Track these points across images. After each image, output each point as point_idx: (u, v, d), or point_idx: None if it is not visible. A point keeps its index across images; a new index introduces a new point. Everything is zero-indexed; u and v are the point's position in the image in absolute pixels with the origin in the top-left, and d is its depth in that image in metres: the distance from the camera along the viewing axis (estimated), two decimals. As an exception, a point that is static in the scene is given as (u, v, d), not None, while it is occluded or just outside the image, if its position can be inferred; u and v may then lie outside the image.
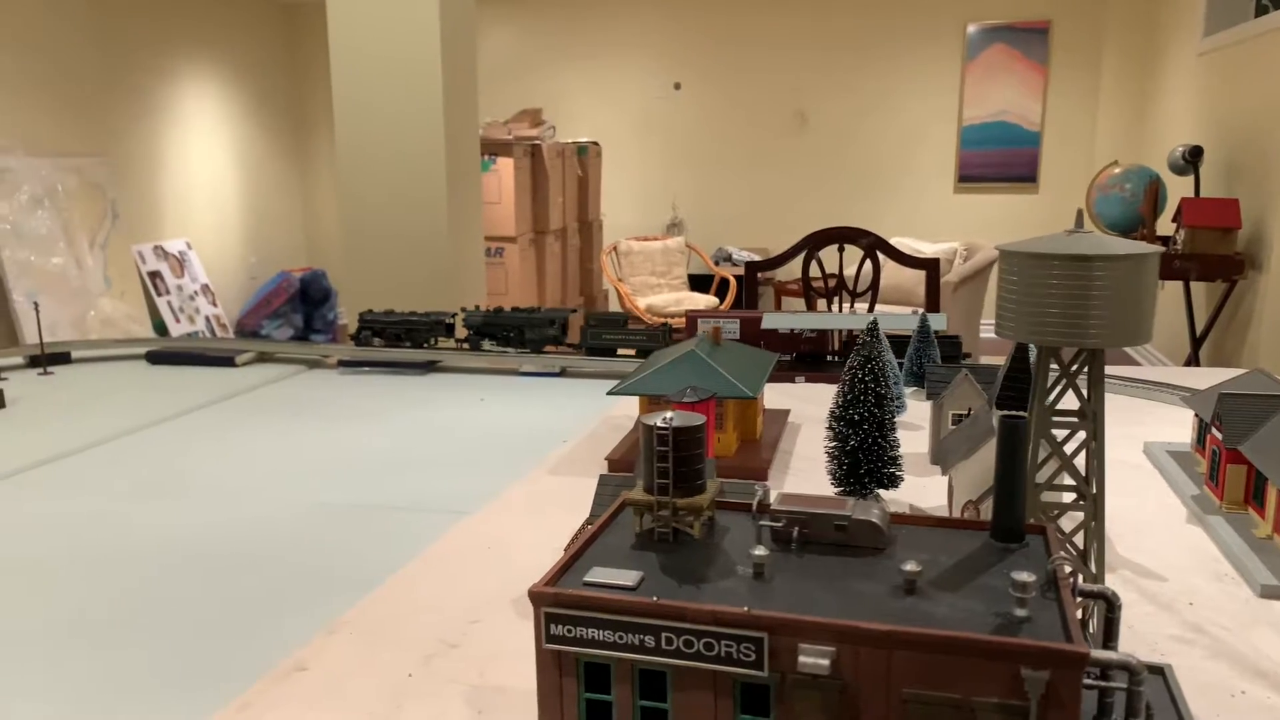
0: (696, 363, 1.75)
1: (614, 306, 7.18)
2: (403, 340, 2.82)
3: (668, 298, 6.84)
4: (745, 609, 0.70)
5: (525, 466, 1.91)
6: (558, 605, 0.74)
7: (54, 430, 2.25)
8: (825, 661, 0.68)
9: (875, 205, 7.70)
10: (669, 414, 0.83)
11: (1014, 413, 0.86)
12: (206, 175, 7.30)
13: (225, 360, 2.89)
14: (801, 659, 0.68)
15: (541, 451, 2.00)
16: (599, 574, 0.77)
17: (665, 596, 0.73)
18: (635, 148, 8.13)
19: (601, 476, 1.38)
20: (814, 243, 2.80)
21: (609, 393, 1.79)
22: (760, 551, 0.78)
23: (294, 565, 1.51)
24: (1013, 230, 7.33)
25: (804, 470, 1.82)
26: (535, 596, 0.74)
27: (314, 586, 1.44)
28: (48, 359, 2.88)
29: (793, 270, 3.65)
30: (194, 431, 2.25)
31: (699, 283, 7.37)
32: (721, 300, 6.86)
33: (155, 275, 6.62)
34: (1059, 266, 0.94)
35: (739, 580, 0.78)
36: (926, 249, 5.98)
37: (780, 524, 0.83)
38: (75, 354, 3.00)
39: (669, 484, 0.83)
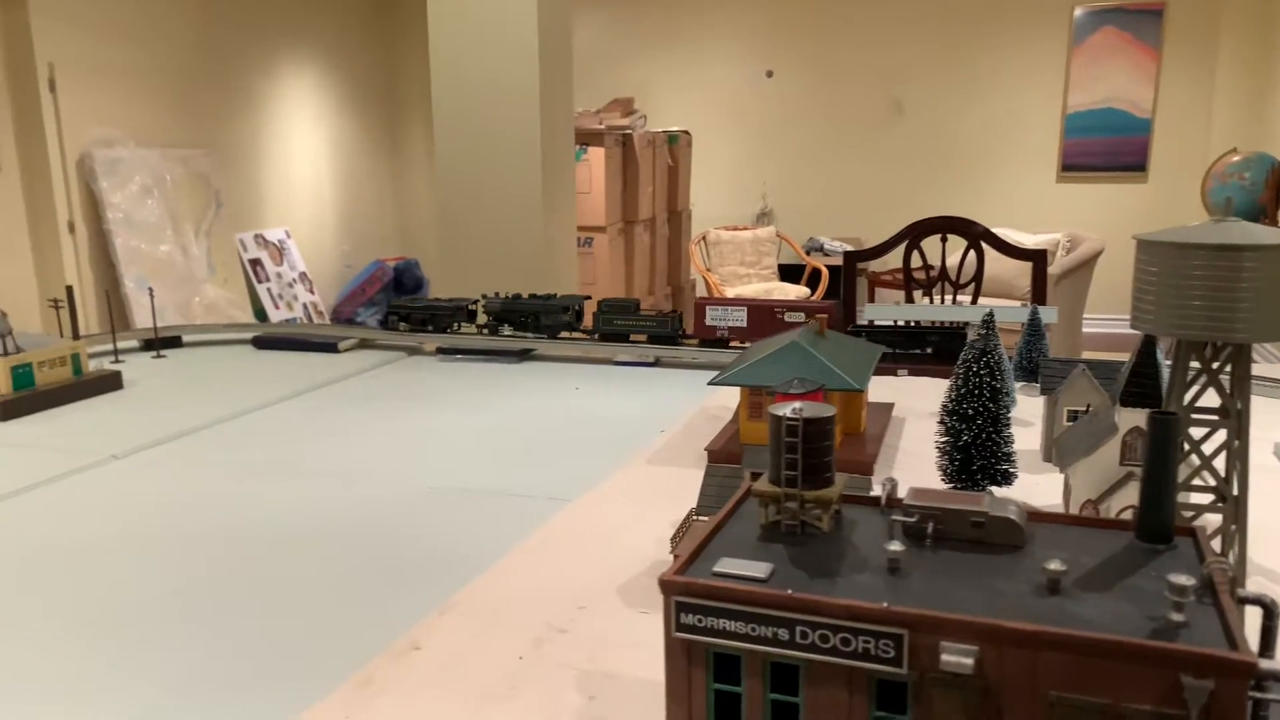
0: (801, 354, 1.73)
1: (702, 296, 7.16)
2: (427, 325, 2.93)
3: (757, 288, 6.77)
4: (884, 604, 0.68)
5: (623, 455, 1.91)
6: (689, 595, 0.73)
7: (169, 411, 2.33)
8: (969, 660, 0.66)
9: (972, 195, 7.50)
10: (798, 405, 0.82)
11: (1165, 410, 0.82)
12: (305, 166, 7.49)
13: (328, 346, 2.96)
14: (944, 657, 0.66)
15: (639, 441, 2.01)
16: (728, 565, 0.76)
17: (797, 589, 0.72)
18: (725, 136, 8.08)
19: (708, 467, 1.37)
20: (916, 232, 2.74)
21: (710, 383, 1.78)
22: (896, 547, 0.76)
23: (403, 546, 1.54)
24: (1120, 221, 7.07)
25: (910, 465, 1.78)
26: (666, 585, 0.74)
27: (423, 567, 1.46)
28: (161, 343, 2.99)
29: (888, 260, 3.59)
30: (302, 415, 2.31)
31: (789, 273, 7.28)
32: (813, 291, 6.76)
33: (256, 263, 6.82)
34: (1206, 257, 0.90)
35: (872, 575, 0.76)
36: (1027, 240, 5.81)
37: (914, 519, 0.81)
38: (186, 338, 3.10)
39: (797, 476, 0.81)
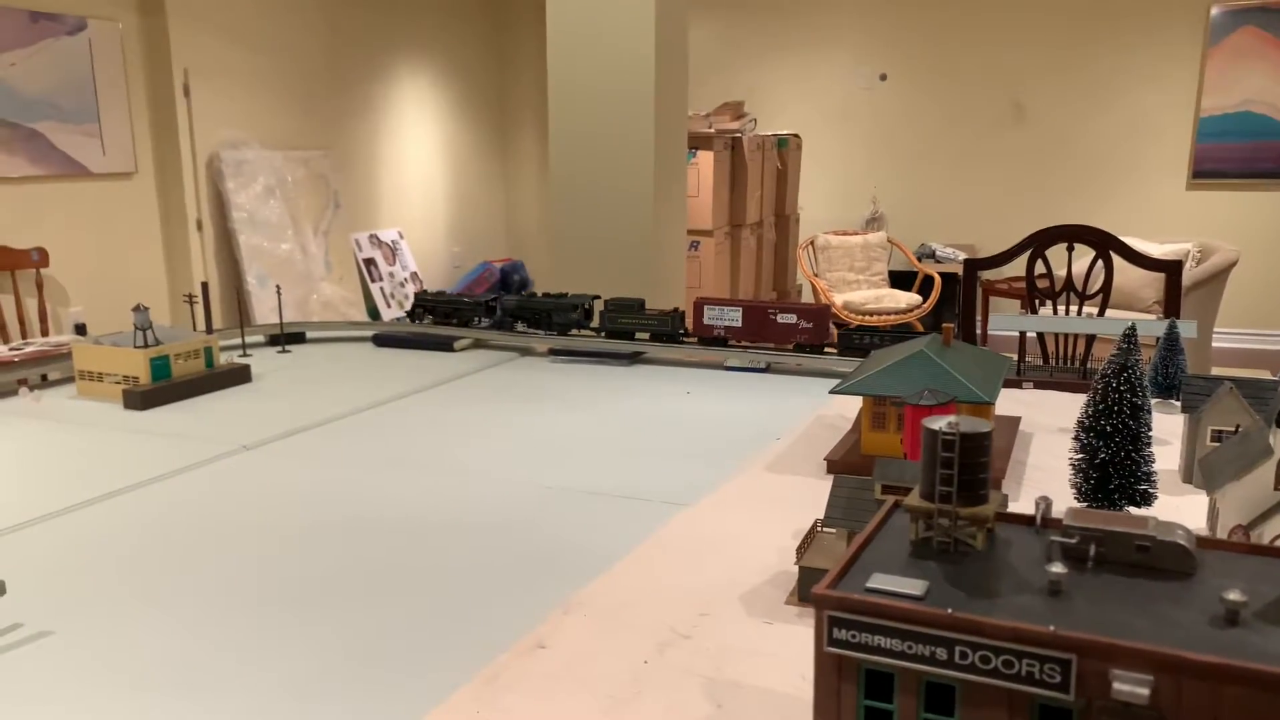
0: (926, 363, 1.69)
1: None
2: (450, 319, 3.09)
3: (866, 294, 6.66)
4: (1051, 628, 0.66)
5: (738, 462, 1.90)
6: (842, 609, 0.72)
7: (295, 404, 2.41)
8: (1144, 691, 0.63)
9: (1095, 202, 7.23)
10: (953, 419, 0.80)
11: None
12: (418, 169, 7.68)
13: (444, 345, 3.03)
14: (1116, 685, 0.63)
15: (753, 447, 1.99)
16: (881, 580, 0.74)
17: (953, 608, 0.70)
18: (836, 140, 7.98)
19: (836, 478, 1.35)
20: (1041, 240, 2.66)
21: (833, 391, 1.75)
22: (1058, 568, 0.73)
23: (523, 544, 1.55)
24: (1257, 230, 6.72)
25: (1040, 481, 1.73)
26: (819, 599, 0.73)
27: (542, 565, 1.48)
28: (286, 338, 3.09)
29: (1002, 269, 3.48)
30: (420, 411, 2.36)
31: (899, 279, 7.14)
32: (925, 298, 6.62)
33: (370, 262, 7.02)
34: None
35: (1033, 597, 0.74)
36: (1154, 250, 5.57)
37: (1074, 540, 0.78)
38: (310, 334, 3.21)
39: (952, 492, 0.79)
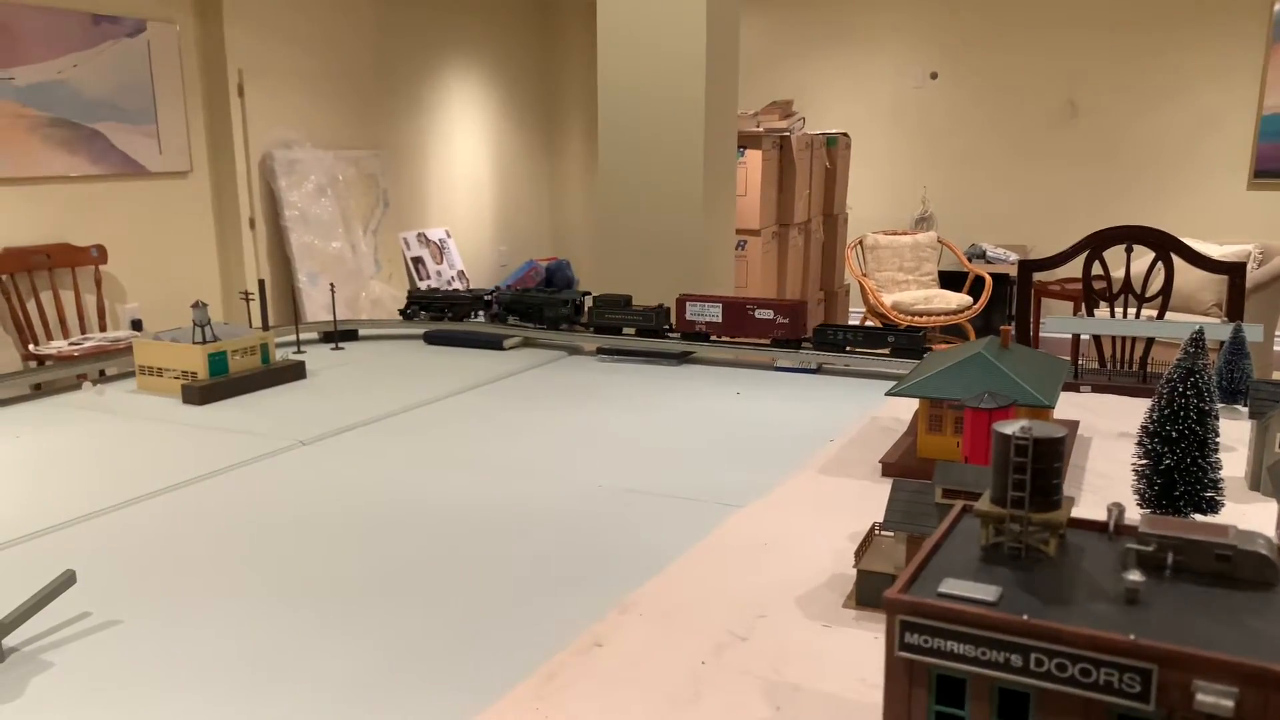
0: (985, 366, 1.67)
1: (855, 303, 7.02)
2: (445, 314, 3.15)
3: (916, 295, 6.59)
4: (1131, 636, 0.65)
5: (791, 463, 1.89)
6: (914, 614, 0.71)
7: (350, 400, 2.44)
8: (1229, 703, 0.61)
9: (1150, 202, 7.09)
10: (1025, 423, 0.79)
11: None
12: (466, 168, 7.74)
13: (494, 344, 3.05)
14: (1199, 697, 0.62)
15: (805, 449, 1.98)
16: (953, 585, 0.74)
17: (1028, 614, 0.69)
18: (885, 139, 7.91)
19: (895, 481, 1.34)
20: (1099, 241, 2.61)
21: (889, 393, 1.74)
22: (1135, 576, 0.72)
23: (575, 542, 1.56)
24: (1321, 231, 6.56)
25: (1100, 487, 1.70)
26: (891, 604, 0.72)
27: (597, 565, 1.48)
28: (339, 335, 3.13)
29: (1055, 271, 3.43)
30: (471, 409, 2.38)
31: (950, 280, 7.06)
32: (976, 299, 6.54)
33: (418, 260, 7.09)
34: None
35: (1109, 605, 0.73)
36: (1213, 251, 5.46)
37: (1151, 548, 0.77)
38: (362, 332, 3.24)
39: (1024, 497, 0.78)
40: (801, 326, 2.69)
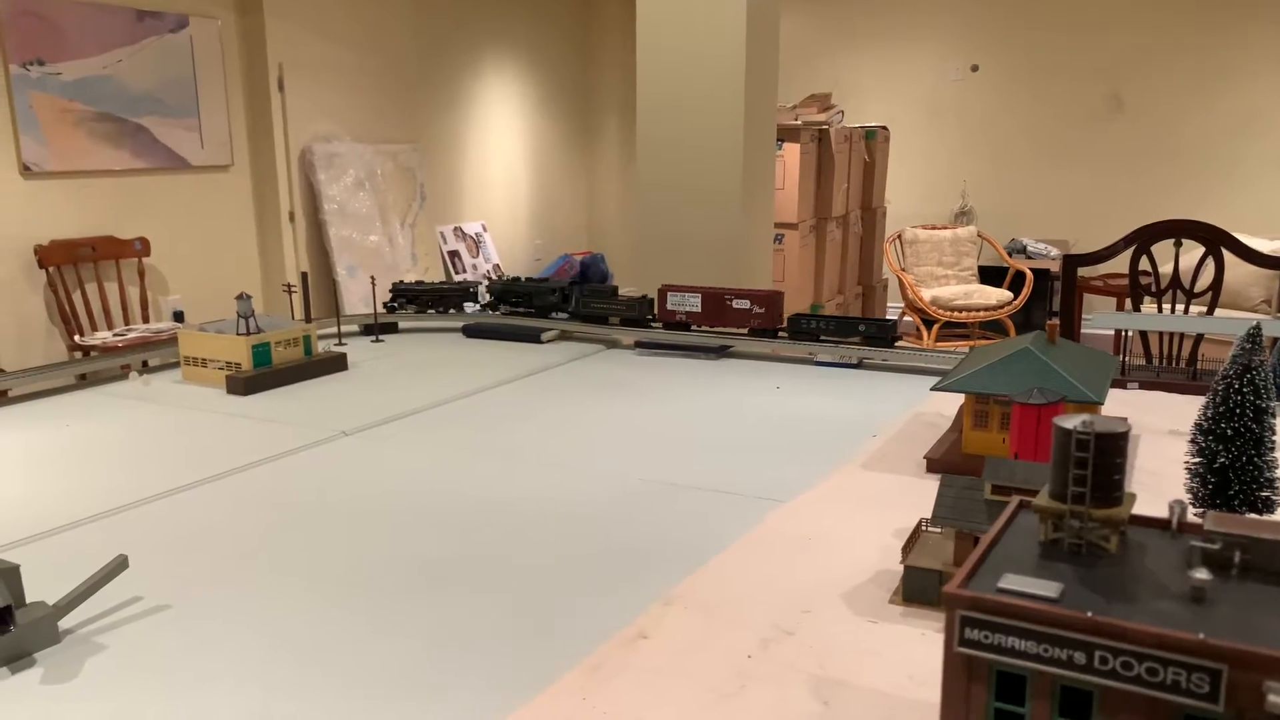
0: (1032, 361, 1.65)
1: (894, 297, 6.96)
2: (432, 307, 3.18)
3: (955, 290, 6.52)
4: (1200, 635, 0.63)
5: (832, 459, 1.88)
6: (975, 609, 0.70)
7: (390, 392, 2.46)
8: (1302, 705, 0.60)
9: (1196, 197, 6.96)
10: (1086, 418, 0.77)
11: None
12: (502, 163, 7.76)
13: (532, 337, 3.05)
14: (1271, 699, 0.61)
15: (847, 444, 1.97)
16: (1013, 581, 0.73)
17: (1091, 611, 0.68)
18: (925, 132, 7.83)
19: (943, 477, 1.33)
20: (1147, 236, 2.57)
21: (934, 388, 1.72)
22: (1202, 574, 0.71)
23: (618, 536, 1.56)
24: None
25: (1149, 485, 1.67)
26: (951, 599, 0.71)
27: (639, 558, 1.48)
28: (380, 328, 3.16)
29: (1097, 266, 3.37)
30: (511, 402, 2.39)
31: (989, 275, 6.98)
32: (1016, 295, 6.46)
33: (454, 254, 7.13)
34: None
35: (1173, 603, 0.71)
36: (1263, 246, 5.35)
37: (1217, 546, 0.75)
38: (402, 324, 3.26)
39: (1085, 493, 0.77)
40: (777, 316, 2.77)
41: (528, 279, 3.23)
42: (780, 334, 2.78)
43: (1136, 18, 7.09)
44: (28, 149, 4.62)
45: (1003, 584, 0.72)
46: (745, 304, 2.78)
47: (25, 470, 1.92)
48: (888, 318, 2.67)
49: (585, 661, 1.16)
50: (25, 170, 4.63)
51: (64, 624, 1.23)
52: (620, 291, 3.05)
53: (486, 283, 3.26)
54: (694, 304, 2.84)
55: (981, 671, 0.71)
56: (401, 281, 3.21)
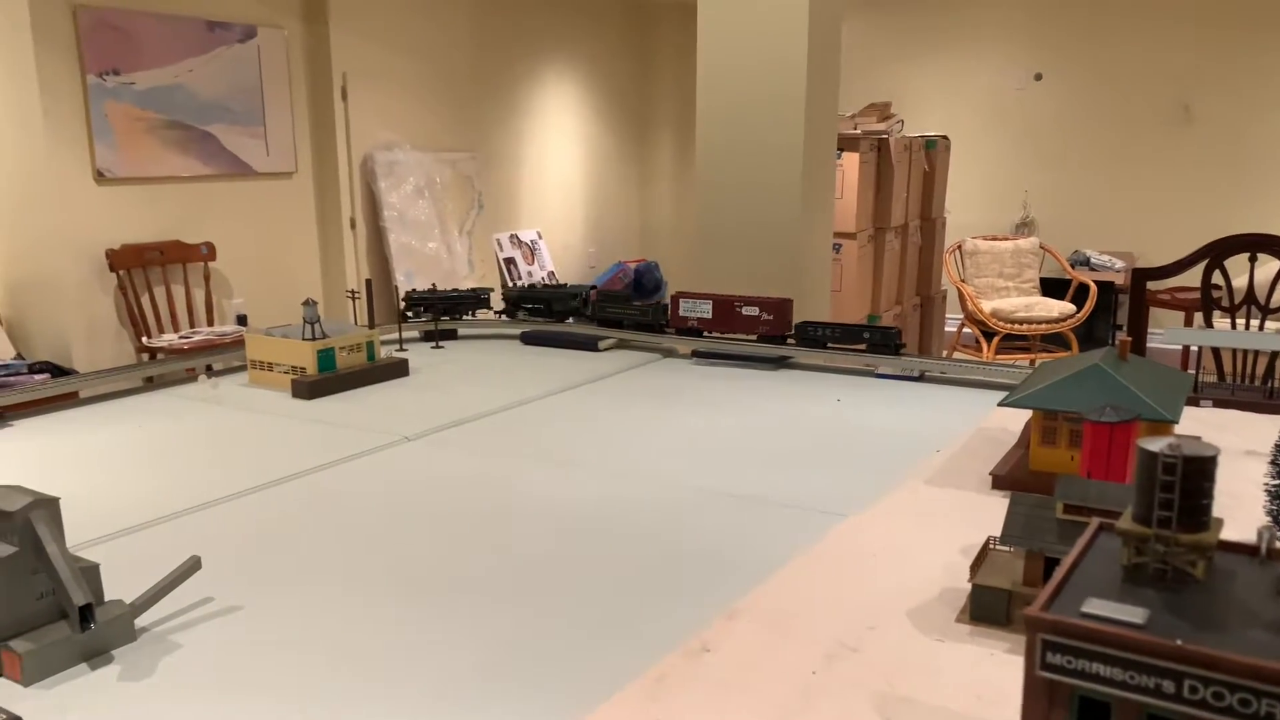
0: (1103, 378, 1.61)
1: (953, 309, 6.87)
2: (447, 314, 3.18)
3: (1016, 302, 6.41)
4: (1297, 668, 0.62)
5: (896, 473, 1.85)
6: (1058, 633, 0.69)
7: (451, 398, 2.48)
8: (1406, 743, 0.58)
9: (1268, 208, 6.76)
10: (1172, 440, 0.76)
11: None
12: (558, 171, 7.82)
13: (589, 345, 3.07)
14: (1373, 735, 0.59)
15: (910, 458, 1.94)
16: (1097, 605, 0.71)
17: (1181, 639, 0.66)
18: (986, 142, 7.72)
19: (1013, 495, 1.31)
20: (1220, 249, 2.50)
21: (1002, 404, 1.70)
22: (1296, 603, 0.69)
23: (677, 546, 1.56)
24: None
25: (1227, 508, 1.61)
26: (1033, 622, 0.70)
27: (699, 570, 1.47)
28: (439, 334, 3.19)
29: (1164, 280, 3.29)
30: (569, 409, 2.40)
31: (1051, 287, 6.85)
32: (1079, 308, 6.33)
33: (510, 261, 7.19)
34: None
35: (1265, 632, 0.69)
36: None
37: (1311, 574, 0.73)
38: (461, 331, 3.30)
39: (1171, 518, 0.75)
40: (786, 323, 2.80)
41: (544, 285, 3.29)
42: (788, 340, 2.81)
43: (1206, 24, 6.92)
44: (101, 156, 4.76)
45: (1087, 608, 0.71)
46: (754, 310, 2.82)
47: (99, 470, 1.97)
48: (893, 326, 2.70)
49: (649, 672, 1.16)
50: (99, 176, 4.77)
51: (139, 622, 1.26)
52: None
53: (504, 289, 3.30)
54: (705, 310, 2.89)
55: (1063, 696, 0.70)
56: (414, 290, 3.22)
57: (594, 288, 3.24)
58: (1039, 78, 7.45)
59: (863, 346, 2.71)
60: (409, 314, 3.22)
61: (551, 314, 3.22)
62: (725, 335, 2.89)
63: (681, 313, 2.94)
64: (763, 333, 2.82)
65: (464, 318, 3.21)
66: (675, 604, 1.36)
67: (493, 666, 1.19)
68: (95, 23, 4.68)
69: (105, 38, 4.72)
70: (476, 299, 3.22)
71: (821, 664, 1.18)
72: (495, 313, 3.29)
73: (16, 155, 4.58)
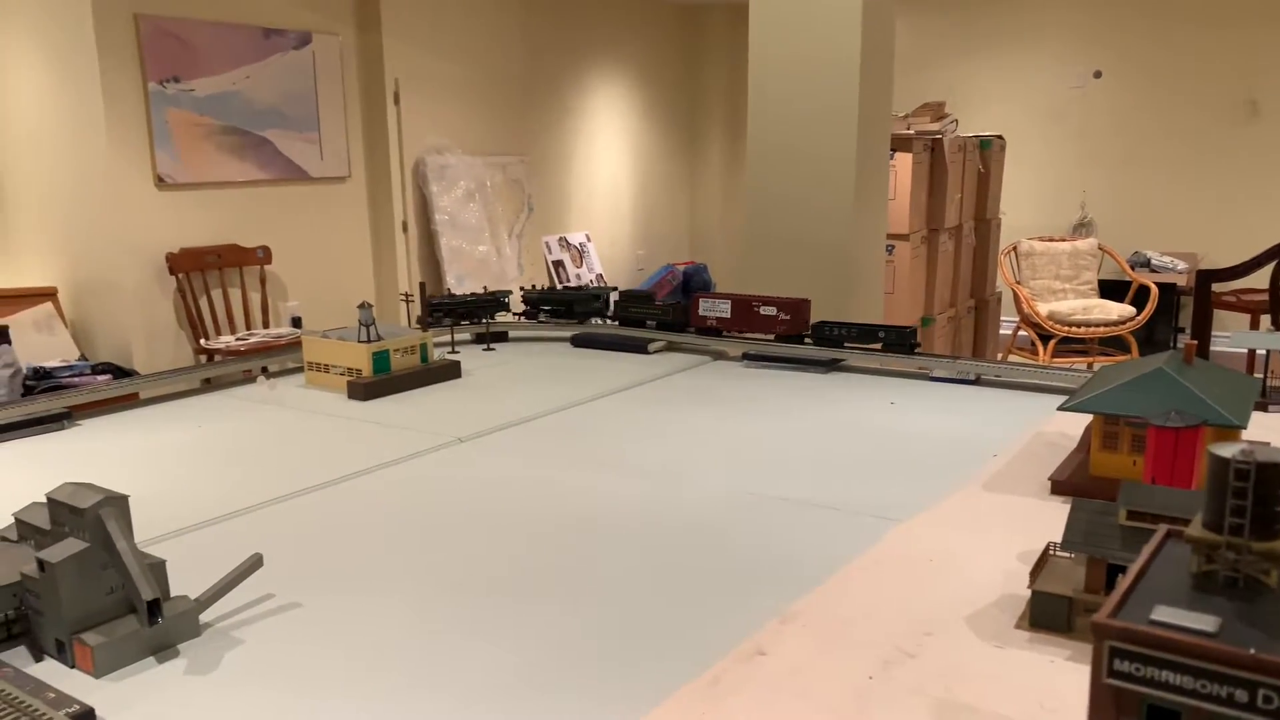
0: (1167, 382, 1.58)
1: (1008, 311, 6.77)
2: (467, 318, 3.20)
3: (1074, 304, 6.29)
4: (1379, 680, 0.60)
5: (951, 478, 1.83)
6: (1126, 641, 0.68)
7: (503, 400, 2.50)
8: None
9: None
10: (1245, 446, 0.74)
11: None
12: (607, 174, 7.84)
13: (639, 347, 3.07)
14: None
15: (966, 463, 1.92)
16: (1166, 613, 0.70)
17: (1254, 648, 0.65)
18: (1043, 141, 7.59)
19: (1075, 501, 1.28)
20: (1288, 251, 2.44)
21: (1062, 408, 1.67)
22: (1377, 614, 0.67)
23: (729, 549, 1.55)
24: None
25: (1296, 513, 1.58)
26: (1101, 629, 0.69)
27: (752, 573, 1.47)
28: (490, 336, 3.22)
29: (1228, 281, 3.22)
30: (619, 412, 2.40)
31: (1110, 290, 6.71)
32: (1140, 310, 6.19)
33: (558, 264, 7.22)
34: None
35: (1344, 643, 0.67)
36: None
37: (1392, 584, 0.71)
38: (512, 334, 3.32)
39: (1244, 525, 0.73)
40: (803, 323, 2.85)
41: (564, 287, 3.36)
42: (805, 340, 2.86)
43: (1272, 19, 6.74)
44: (162, 162, 4.87)
45: (1156, 615, 0.69)
46: (772, 310, 2.87)
47: (161, 468, 2.02)
48: (909, 325, 2.72)
49: (703, 675, 1.16)
50: (159, 182, 4.88)
51: (203, 618, 1.29)
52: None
53: (523, 291, 3.35)
54: (724, 310, 2.96)
55: (1131, 705, 0.68)
56: (433, 296, 3.23)
57: (614, 289, 3.31)
58: (1099, 75, 7.31)
59: (878, 346, 2.74)
60: (431, 321, 3.22)
61: (573, 315, 3.28)
62: (743, 335, 2.96)
63: (701, 312, 3.01)
64: (780, 332, 2.87)
65: (483, 321, 3.23)
66: (729, 607, 1.36)
67: (546, 667, 1.20)
68: (155, 31, 4.79)
69: (165, 45, 4.83)
70: (495, 302, 3.24)
71: (878, 669, 1.17)
72: (514, 315, 3.32)
73: (81, 162, 4.70)
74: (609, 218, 7.91)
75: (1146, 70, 7.20)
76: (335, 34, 5.63)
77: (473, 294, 3.27)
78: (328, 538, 1.62)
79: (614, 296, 3.28)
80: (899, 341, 2.71)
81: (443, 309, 3.22)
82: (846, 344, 2.78)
